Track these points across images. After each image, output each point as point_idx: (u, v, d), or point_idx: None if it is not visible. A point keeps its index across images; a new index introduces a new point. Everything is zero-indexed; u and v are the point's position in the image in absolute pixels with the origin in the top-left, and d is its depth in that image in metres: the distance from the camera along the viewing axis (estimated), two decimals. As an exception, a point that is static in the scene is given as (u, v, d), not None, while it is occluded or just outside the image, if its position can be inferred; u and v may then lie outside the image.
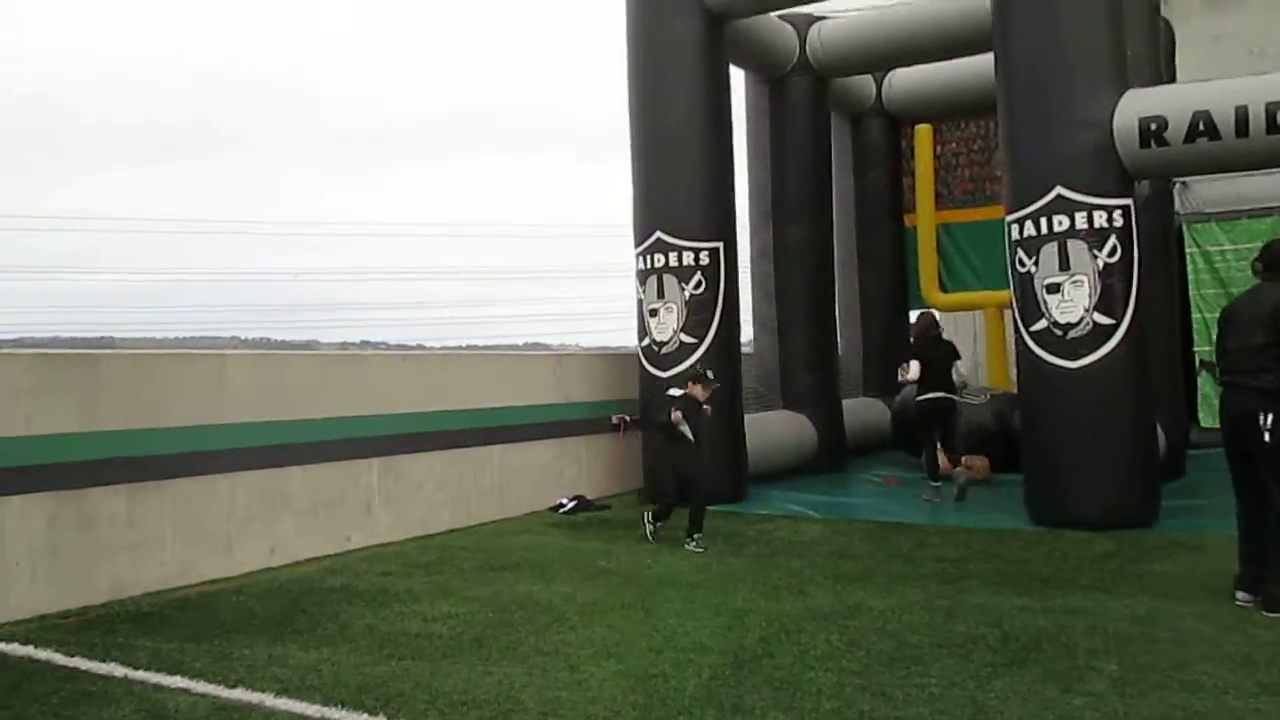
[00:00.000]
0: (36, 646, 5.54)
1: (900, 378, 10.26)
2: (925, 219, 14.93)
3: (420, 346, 11.98)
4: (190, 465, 7.15)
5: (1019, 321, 8.64)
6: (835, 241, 13.45)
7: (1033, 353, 8.50)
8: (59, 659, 5.32)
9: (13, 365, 6.35)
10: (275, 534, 7.66)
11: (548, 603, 6.34)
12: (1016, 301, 8.68)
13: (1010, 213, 8.71)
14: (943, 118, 15.09)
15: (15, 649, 5.53)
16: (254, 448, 7.53)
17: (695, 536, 7.93)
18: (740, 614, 5.95)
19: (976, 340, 19.51)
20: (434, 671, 4.97)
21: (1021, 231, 8.54)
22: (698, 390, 8.38)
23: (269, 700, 4.62)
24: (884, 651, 5.16)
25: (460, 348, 12.74)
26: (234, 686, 4.81)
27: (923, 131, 14.90)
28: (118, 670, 5.08)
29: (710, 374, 8.63)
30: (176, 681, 4.91)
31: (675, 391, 8.66)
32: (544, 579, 7.02)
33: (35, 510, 6.31)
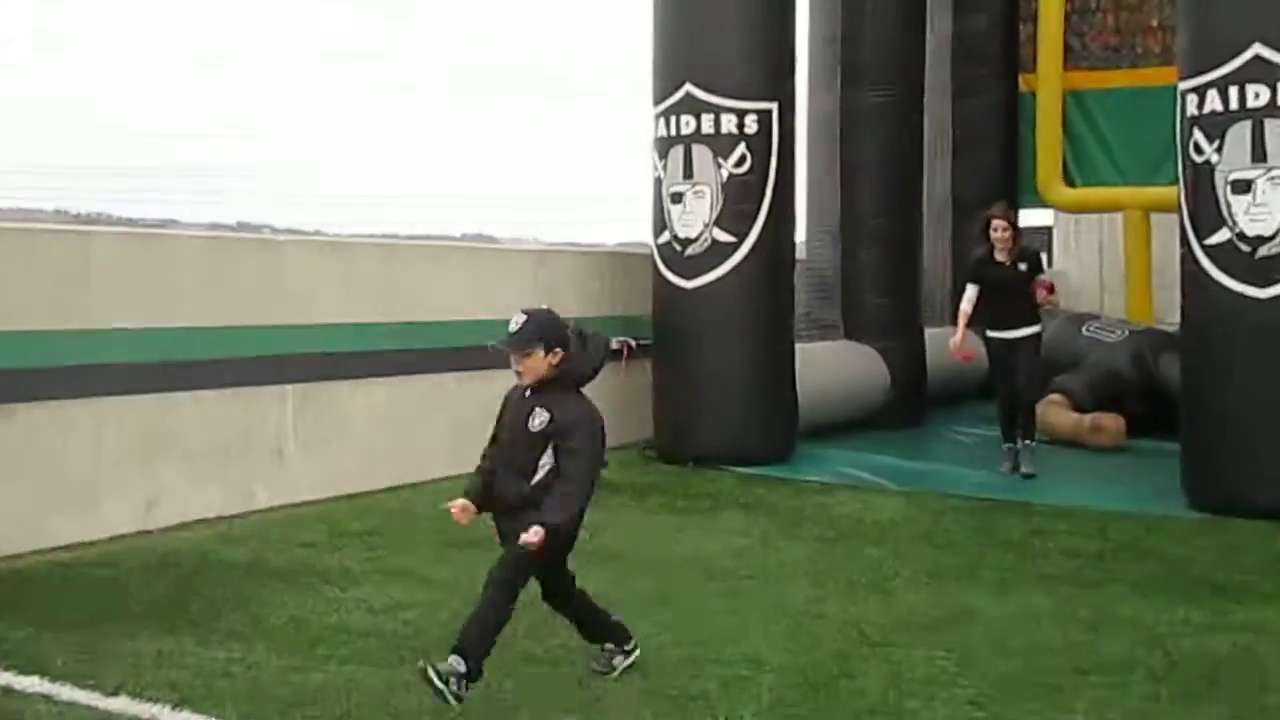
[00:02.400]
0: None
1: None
2: (1049, 82, 14.76)
3: (317, 233, 11.82)
4: (38, 386, 7.03)
5: (1189, 231, 8.55)
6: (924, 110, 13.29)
7: (1206, 275, 8.43)
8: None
9: None
10: (154, 485, 7.59)
11: (535, 592, 6.29)
12: (1187, 203, 8.58)
13: (1186, 78, 8.57)
14: (1080, -59, 14.88)
15: None
16: (127, 364, 7.42)
17: (607, 650, 5.24)
18: (804, 618, 5.94)
19: (1104, 254, 19.48)
20: (390, 682, 4.93)
21: (1201, 105, 8.42)
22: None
23: (164, 714, 4.59)
24: (1008, 676, 5.15)
25: (391, 237, 12.57)
26: (113, 694, 4.77)
27: (1051, -41, 14.67)
28: (-51, 667, 5.02)
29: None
30: (32, 684, 4.85)
31: None
32: (527, 560, 6.98)
33: None
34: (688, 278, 10.16)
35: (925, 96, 13.31)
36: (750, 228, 10.10)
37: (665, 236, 10.33)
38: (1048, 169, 14.93)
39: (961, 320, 10.04)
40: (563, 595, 5.11)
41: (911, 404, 12.43)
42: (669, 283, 10.31)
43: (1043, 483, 9.57)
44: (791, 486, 9.34)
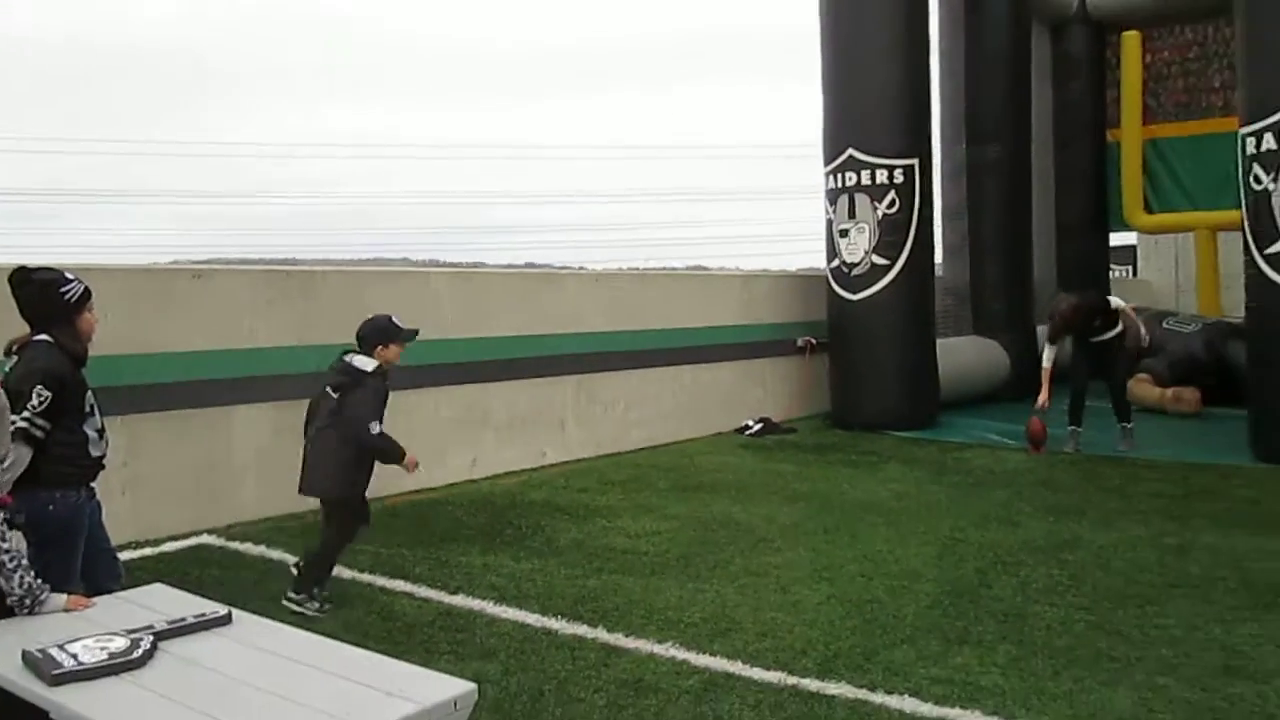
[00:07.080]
0: (268, 546, 5.84)
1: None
2: (1131, 133, 13.94)
3: (582, 268, 12.22)
4: (399, 379, 7.33)
5: (1251, 243, 7.95)
6: (1032, 159, 12.72)
7: (1265, 278, 7.83)
8: (291, 559, 5.56)
9: (240, 281, 6.63)
10: (476, 447, 7.85)
11: (748, 523, 6.29)
12: (1249, 221, 7.98)
13: (1246, 124, 7.97)
14: (1152, 24, 14.01)
15: (249, 548, 5.84)
16: (457, 363, 7.69)
17: (296, 596, 4.75)
18: (950, 543, 5.76)
19: (1179, 265, 18.34)
20: (646, 587, 4.99)
21: (1259, 145, 7.81)
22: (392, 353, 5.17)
23: (489, 608, 4.73)
24: (1112, 588, 4.90)
25: (647, 269, 12.68)
26: (454, 593, 4.95)
27: (1130, 39, 13.86)
28: (345, 572, 5.27)
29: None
30: (400, 585, 5.08)
31: (363, 363, 5.10)
32: (740, 500, 6.97)
33: (260, 419, 6.60)
34: (853, 292, 9.96)
35: (1034, 148, 12.78)
36: (900, 254, 9.83)
37: (835, 262, 10.14)
38: (1131, 201, 14.11)
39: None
40: None
41: (1026, 382, 11.90)
42: (839, 296, 10.12)
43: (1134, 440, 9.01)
44: (936, 445, 9.07)
